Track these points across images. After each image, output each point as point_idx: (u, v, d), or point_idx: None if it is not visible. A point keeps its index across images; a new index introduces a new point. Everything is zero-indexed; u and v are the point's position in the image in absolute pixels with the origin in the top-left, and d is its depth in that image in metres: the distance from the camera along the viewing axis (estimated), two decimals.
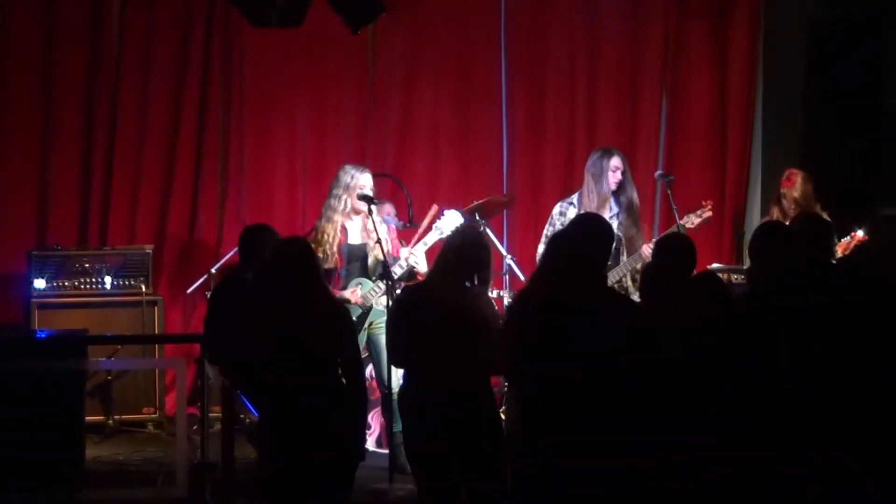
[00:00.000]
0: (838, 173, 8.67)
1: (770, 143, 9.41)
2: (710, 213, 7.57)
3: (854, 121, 8.91)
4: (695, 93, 9.36)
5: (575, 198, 7.60)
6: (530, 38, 9.27)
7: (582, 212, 7.32)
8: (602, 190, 7.43)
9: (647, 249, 7.59)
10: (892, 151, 8.98)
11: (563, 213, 7.54)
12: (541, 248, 7.51)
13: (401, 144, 9.18)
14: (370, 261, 7.16)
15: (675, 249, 5.52)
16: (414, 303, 5.40)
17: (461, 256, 5.35)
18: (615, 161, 7.47)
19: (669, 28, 9.31)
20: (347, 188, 7.14)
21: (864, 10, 8.79)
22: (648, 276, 5.40)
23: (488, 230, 7.88)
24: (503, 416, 6.80)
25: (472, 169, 9.25)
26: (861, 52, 8.93)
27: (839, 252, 7.22)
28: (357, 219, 7.20)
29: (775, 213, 7.80)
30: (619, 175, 7.47)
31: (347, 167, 7.26)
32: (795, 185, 7.69)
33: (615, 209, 7.48)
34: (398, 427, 6.90)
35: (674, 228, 7.62)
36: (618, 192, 7.49)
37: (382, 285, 6.99)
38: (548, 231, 7.55)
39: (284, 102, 9.02)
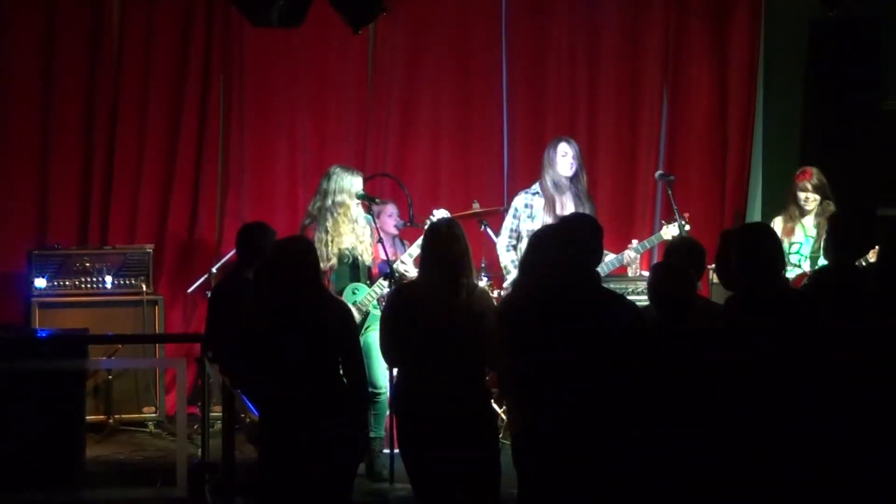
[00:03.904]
0: (838, 173, 8.65)
1: (770, 143, 9.42)
2: (688, 228, 7.63)
3: (854, 121, 8.90)
4: (695, 93, 9.35)
5: (536, 187, 7.68)
6: (531, 38, 9.27)
7: (550, 200, 7.51)
8: (553, 176, 7.56)
9: (630, 253, 7.64)
10: (892, 151, 8.99)
11: (529, 205, 7.58)
12: (504, 241, 7.58)
13: (401, 144, 9.17)
14: (360, 264, 7.15)
15: (684, 253, 5.52)
16: (403, 302, 5.40)
17: (435, 253, 5.35)
18: (561, 147, 7.61)
19: (669, 28, 9.31)
20: (342, 191, 7.12)
21: (864, 10, 8.78)
22: (658, 280, 5.33)
23: (488, 230, 7.90)
24: (503, 417, 6.83)
25: (472, 168, 9.25)
26: (861, 52, 8.94)
27: (872, 257, 7.25)
28: (348, 221, 7.18)
29: (794, 210, 7.76)
30: (569, 160, 7.58)
31: (341, 171, 7.24)
32: (813, 175, 7.68)
33: (574, 197, 7.56)
34: (377, 432, 6.93)
35: (674, 227, 7.63)
36: (573, 180, 7.60)
37: (378, 290, 7.00)
38: (512, 224, 7.59)
39: (285, 102, 9.01)
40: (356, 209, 7.17)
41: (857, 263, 5.94)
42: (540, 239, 5.19)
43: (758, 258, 4.97)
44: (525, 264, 5.25)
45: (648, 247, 7.86)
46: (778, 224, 7.70)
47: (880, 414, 4.86)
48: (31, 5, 8.66)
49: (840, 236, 5.56)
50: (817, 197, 7.63)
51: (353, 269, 7.16)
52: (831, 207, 7.58)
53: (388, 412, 7.28)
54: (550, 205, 7.54)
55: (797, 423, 4.74)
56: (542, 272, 4.96)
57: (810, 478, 4.76)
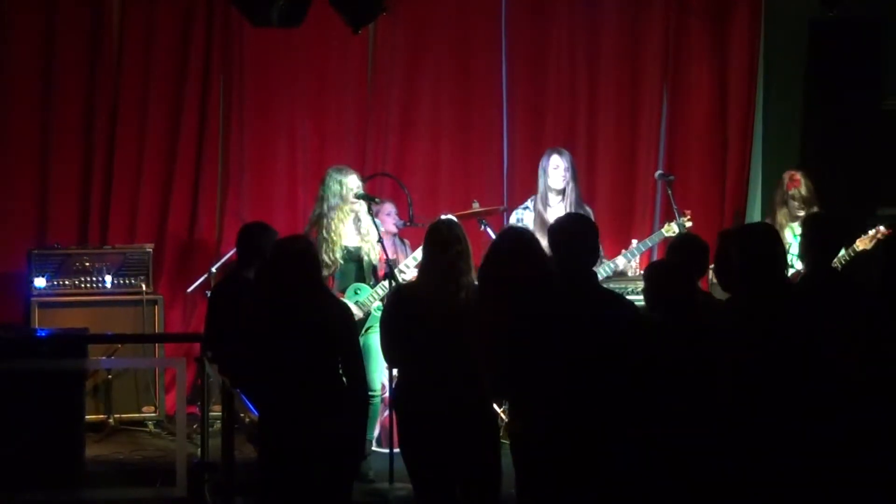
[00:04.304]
0: (838, 173, 8.67)
1: (770, 143, 9.42)
2: (690, 224, 7.65)
3: (854, 121, 8.91)
4: (695, 93, 9.35)
5: (529, 202, 7.73)
6: (531, 38, 9.27)
7: (539, 213, 7.61)
8: (542, 187, 7.66)
9: (621, 260, 7.65)
10: (892, 151, 8.99)
11: (521, 220, 7.66)
12: None
13: (401, 144, 9.17)
14: (365, 263, 7.15)
15: (685, 252, 5.51)
16: (405, 302, 5.40)
17: (435, 253, 5.35)
18: (553, 160, 7.68)
19: (669, 28, 9.31)
20: (337, 195, 7.11)
21: (864, 10, 8.79)
22: (656, 276, 5.32)
23: (489, 229, 7.89)
24: (504, 416, 6.83)
25: (472, 168, 9.25)
26: (861, 52, 8.94)
27: (860, 246, 7.31)
28: (350, 221, 7.18)
29: (781, 217, 7.84)
30: (560, 172, 7.64)
31: (333, 173, 7.22)
32: (802, 184, 7.80)
33: (567, 209, 7.62)
34: (368, 434, 6.93)
35: (673, 226, 7.66)
36: (565, 192, 7.67)
37: (381, 290, 7.00)
38: None
39: (285, 102, 9.02)
40: (356, 208, 7.16)
41: (835, 263, 5.95)
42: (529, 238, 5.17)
43: (760, 258, 4.97)
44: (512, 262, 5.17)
45: (650, 244, 7.88)
46: None
47: (883, 414, 4.85)
48: (31, 5, 8.67)
49: (816, 239, 5.53)
50: (806, 205, 7.74)
51: (358, 269, 7.16)
52: (815, 210, 7.69)
53: (380, 414, 7.31)
54: (540, 217, 7.58)
55: (799, 423, 4.74)
56: (536, 273, 4.94)
57: (813, 478, 4.76)
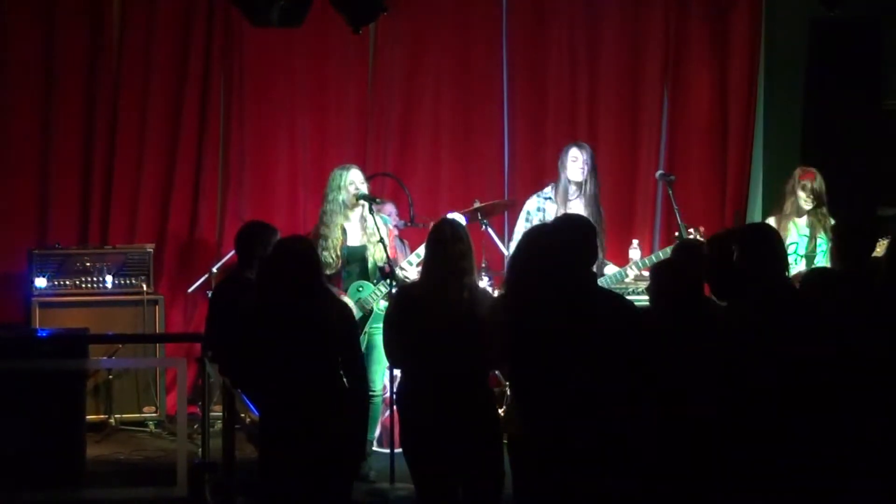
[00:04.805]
0: (838, 173, 8.66)
1: (770, 143, 9.42)
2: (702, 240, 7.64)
3: (854, 121, 8.91)
4: (695, 93, 9.36)
5: (549, 191, 7.67)
6: (531, 38, 9.27)
7: (558, 206, 7.52)
8: (563, 180, 7.58)
9: (632, 271, 7.62)
10: (892, 151, 8.99)
11: (542, 209, 7.58)
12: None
13: (401, 144, 9.18)
14: (369, 263, 7.15)
15: (692, 255, 5.51)
16: (407, 302, 5.41)
17: (438, 252, 5.35)
18: (572, 152, 7.61)
19: (670, 28, 9.32)
20: (338, 189, 7.13)
21: (864, 10, 8.79)
22: (661, 279, 5.32)
23: (490, 230, 7.90)
24: (502, 414, 6.84)
25: (472, 168, 9.26)
26: (861, 52, 8.94)
27: (877, 251, 7.29)
28: (355, 220, 7.17)
29: (788, 207, 7.78)
30: (579, 165, 7.57)
31: (335, 169, 7.26)
32: (816, 178, 7.71)
33: (586, 204, 7.57)
34: (372, 434, 6.93)
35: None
36: (583, 185, 7.60)
37: (383, 288, 6.99)
38: (526, 227, 7.58)
39: (285, 102, 9.02)
40: (360, 209, 7.16)
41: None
42: (533, 238, 5.16)
43: (762, 259, 4.96)
44: (516, 264, 5.18)
45: (663, 257, 7.85)
46: (772, 224, 7.70)
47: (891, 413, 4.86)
48: (31, 5, 8.67)
49: (846, 245, 5.55)
50: (814, 200, 7.66)
51: (363, 268, 7.15)
52: (824, 212, 7.61)
53: (381, 414, 7.30)
54: (563, 210, 7.52)
55: (806, 424, 4.73)
56: (537, 273, 4.94)
57: (821, 478, 4.76)
